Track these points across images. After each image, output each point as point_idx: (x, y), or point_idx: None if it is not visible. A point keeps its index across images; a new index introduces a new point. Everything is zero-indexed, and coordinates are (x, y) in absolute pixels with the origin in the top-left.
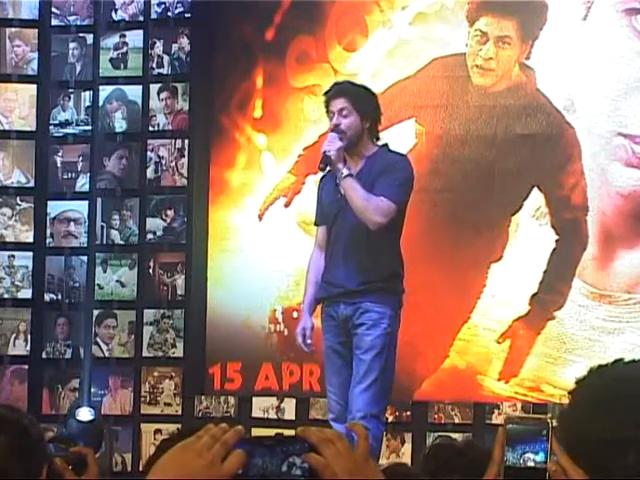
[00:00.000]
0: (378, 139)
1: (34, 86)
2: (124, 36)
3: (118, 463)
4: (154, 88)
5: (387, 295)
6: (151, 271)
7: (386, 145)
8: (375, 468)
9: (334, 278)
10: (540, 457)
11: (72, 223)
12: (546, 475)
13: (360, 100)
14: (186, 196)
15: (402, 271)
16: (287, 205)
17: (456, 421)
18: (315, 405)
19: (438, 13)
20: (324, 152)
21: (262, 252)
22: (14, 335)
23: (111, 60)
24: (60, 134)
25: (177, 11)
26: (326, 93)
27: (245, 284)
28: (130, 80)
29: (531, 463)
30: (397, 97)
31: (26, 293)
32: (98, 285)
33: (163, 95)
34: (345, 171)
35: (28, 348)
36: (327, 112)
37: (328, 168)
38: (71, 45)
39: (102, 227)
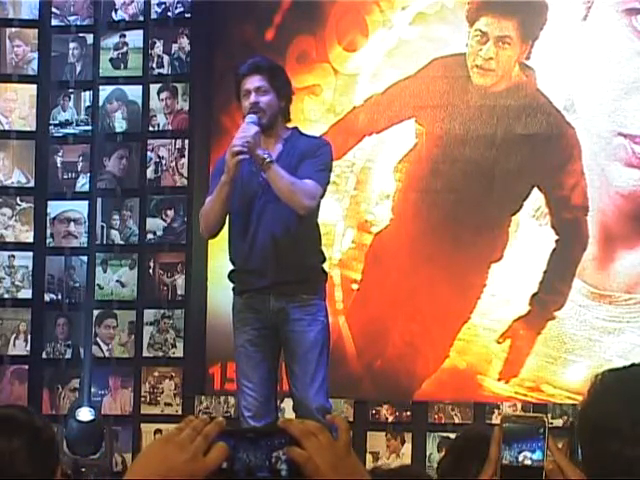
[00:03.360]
0: (289, 120)
1: (34, 86)
2: (124, 36)
3: (118, 463)
4: (154, 88)
5: (318, 285)
6: (151, 271)
7: (297, 127)
8: (356, 460)
9: (261, 269)
10: (537, 455)
11: (72, 223)
12: (543, 474)
13: (276, 77)
14: (186, 196)
15: (324, 258)
16: None
17: (456, 421)
18: None
19: (438, 13)
20: (240, 138)
21: None
22: (14, 335)
23: (111, 60)
24: (60, 134)
25: (177, 11)
26: (237, 71)
27: None
28: (130, 80)
29: (528, 462)
30: (397, 97)
31: (26, 293)
32: (98, 285)
33: (163, 95)
34: (267, 157)
35: (28, 348)
36: (238, 93)
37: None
38: (71, 45)
39: (102, 227)
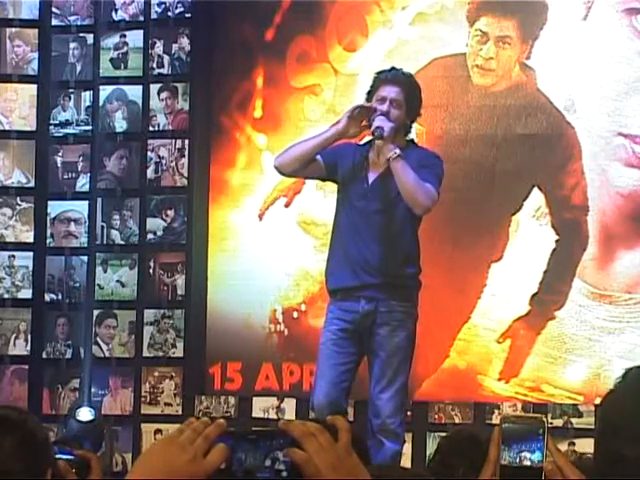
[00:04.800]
0: (408, 135)
1: (34, 86)
2: (124, 36)
3: (118, 463)
4: (154, 88)
5: (409, 293)
6: (151, 271)
7: (412, 140)
8: (357, 461)
9: (357, 271)
10: (536, 456)
11: (72, 223)
12: (542, 474)
13: (412, 96)
14: (186, 196)
15: (420, 265)
16: (287, 205)
17: (456, 421)
18: None
19: (438, 13)
20: (378, 127)
21: (262, 252)
22: (14, 335)
23: (111, 60)
24: (60, 134)
25: (177, 11)
26: (380, 73)
27: (245, 284)
28: (130, 80)
29: (527, 462)
30: None
31: (26, 293)
32: (98, 285)
33: (163, 95)
34: (397, 151)
35: (28, 348)
36: (372, 91)
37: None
38: (71, 45)
39: (102, 227)
